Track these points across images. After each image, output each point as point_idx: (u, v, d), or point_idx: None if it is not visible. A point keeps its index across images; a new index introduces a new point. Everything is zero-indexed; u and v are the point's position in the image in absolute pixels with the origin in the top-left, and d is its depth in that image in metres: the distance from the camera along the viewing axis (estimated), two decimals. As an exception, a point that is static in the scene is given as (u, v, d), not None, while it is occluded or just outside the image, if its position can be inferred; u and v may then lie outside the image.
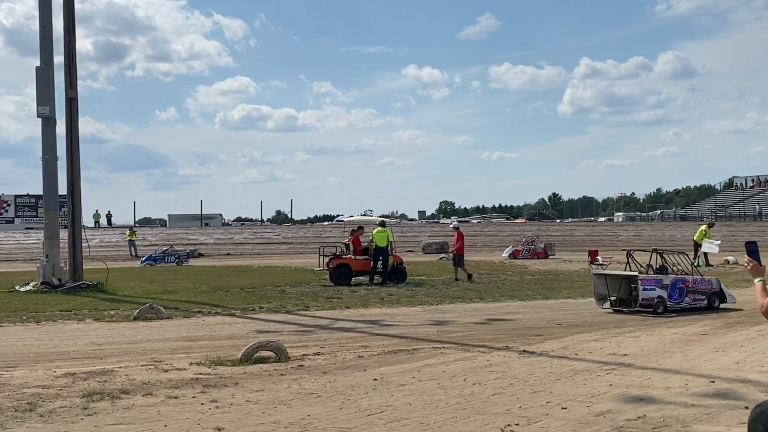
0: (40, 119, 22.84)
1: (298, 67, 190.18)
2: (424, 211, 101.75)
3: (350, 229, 26.42)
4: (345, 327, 13.91)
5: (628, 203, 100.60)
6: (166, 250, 41.16)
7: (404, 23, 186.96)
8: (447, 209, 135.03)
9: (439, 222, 77.13)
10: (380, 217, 42.69)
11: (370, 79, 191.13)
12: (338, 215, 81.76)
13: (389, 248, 23.81)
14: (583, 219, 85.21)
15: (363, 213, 62.52)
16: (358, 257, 23.98)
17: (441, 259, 37.80)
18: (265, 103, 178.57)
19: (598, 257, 27.32)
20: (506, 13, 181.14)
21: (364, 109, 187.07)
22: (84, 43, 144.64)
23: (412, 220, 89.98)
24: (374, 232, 24.05)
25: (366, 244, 24.40)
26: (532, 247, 41.03)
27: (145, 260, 39.45)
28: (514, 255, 39.98)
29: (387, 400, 7.85)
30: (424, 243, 49.99)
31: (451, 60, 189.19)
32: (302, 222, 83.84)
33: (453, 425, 6.84)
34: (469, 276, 24.46)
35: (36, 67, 22.94)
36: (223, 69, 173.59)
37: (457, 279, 24.31)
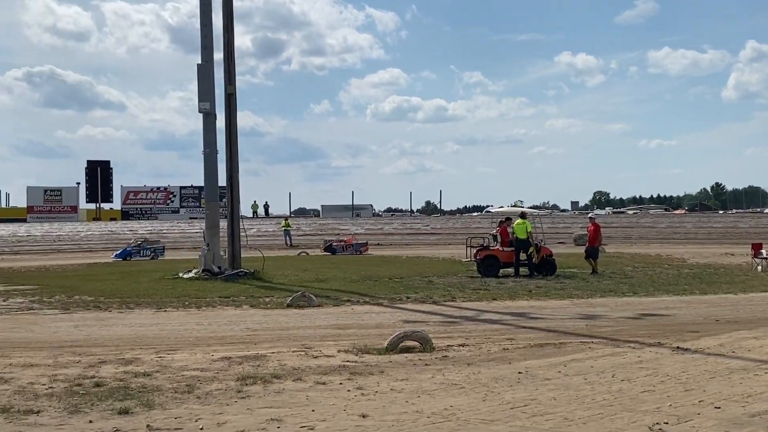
0: (202, 114, 23.97)
1: (448, 57, 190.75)
2: (577, 202, 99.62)
3: (498, 220, 26.24)
4: (491, 319, 13.85)
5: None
6: (141, 243, 38.89)
7: (558, 9, 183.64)
8: (601, 200, 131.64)
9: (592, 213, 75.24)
10: (530, 208, 42.15)
11: (522, 67, 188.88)
12: (487, 206, 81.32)
13: (531, 239, 23.47)
14: (748, 210, 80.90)
15: (513, 204, 61.89)
16: (505, 249, 23.79)
17: (593, 251, 36.79)
18: (415, 95, 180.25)
19: (762, 251, 25.89)
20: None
21: (516, 98, 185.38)
22: (243, 40, 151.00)
23: (564, 210, 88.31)
24: (515, 223, 23.79)
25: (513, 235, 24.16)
26: None
27: (117, 255, 37.14)
28: None
29: (531, 393, 7.77)
30: (576, 234, 48.85)
31: (607, 45, 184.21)
32: (451, 212, 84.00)
33: (599, 421, 6.69)
34: (594, 271, 23.71)
35: (197, 64, 24.06)
36: (375, 61, 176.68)
37: (594, 272, 23.60)
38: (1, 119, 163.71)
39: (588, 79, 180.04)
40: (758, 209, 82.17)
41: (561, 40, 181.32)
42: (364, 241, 43.23)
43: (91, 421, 6.80)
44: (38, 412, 7.13)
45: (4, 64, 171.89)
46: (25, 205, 69.65)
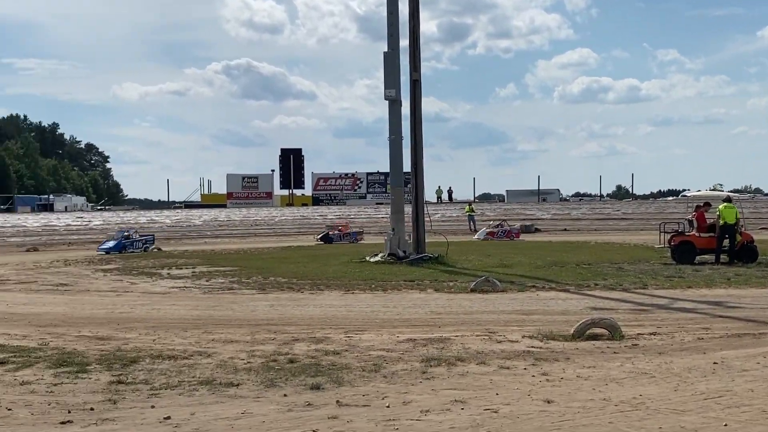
0: (387, 101, 24.42)
1: (641, 35, 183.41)
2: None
3: (694, 204, 24.98)
4: (685, 307, 13.25)
5: None
6: (128, 236, 33.19)
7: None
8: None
9: (799, 197, 70.02)
10: (731, 192, 39.80)
11: (721, 43, 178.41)
12: (683, 190, 77.52)
13: (737, 225, 22.16)
14: None
15: (712, 187, 58.73)
16: (702, 235, 22.62)
17: (800, 237, 34.24)
18: (605, 75, 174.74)
19: None
20: None
21: (714, 76, 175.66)
22: (429, 26, 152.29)
23: None
24: (721, 207, 22.45)
25: (711, 220, 22.92)
26: (508, 228, 40.75)
27: (110, 248, 31.09)
28: (490, 236, 38.97)
29: (726, 384, 7.39)
30: (781, 220, 45.70)
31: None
32: (644, 197, 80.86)
33: (802, 418, 6.27)
34: None
35: (384, 52, 24.50)
36: (563, 42, 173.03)
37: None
38: (203, 110, 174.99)
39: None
40: None
41: (764, 14, 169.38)
42: (360, 230, 42.23)
43: (285, 395, 7.17)
44: (238, 384, 7.59)
45: (206, 59, 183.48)
46: (224, 192, 73.93)
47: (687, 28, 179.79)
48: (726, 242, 22.13)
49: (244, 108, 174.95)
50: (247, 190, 72.98)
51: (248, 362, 8.67)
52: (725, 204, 22.46)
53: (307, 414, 6.53)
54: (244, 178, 73.67)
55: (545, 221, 51.44)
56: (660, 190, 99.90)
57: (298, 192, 74.96)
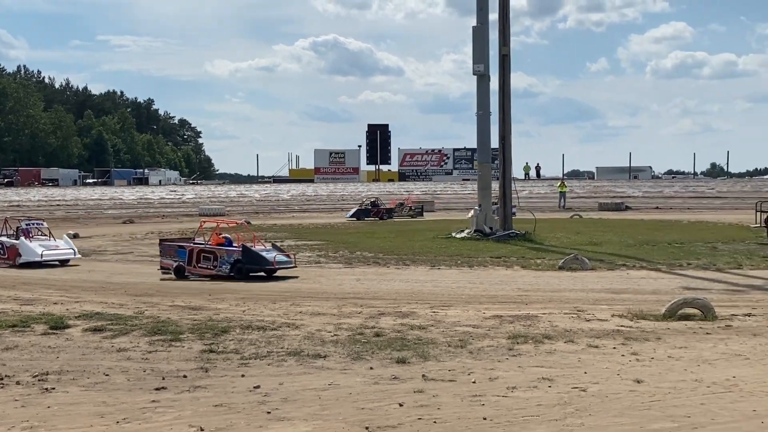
0: (476, 76, 24.20)
1: (738, 8, 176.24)
2: None
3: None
4: (783, 289, 12.79)
5: None
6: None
7: None
8: None
9: None
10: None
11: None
12: (781, 168, 74.49)
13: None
14: None
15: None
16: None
17: None
18: (701, 49, 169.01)
19: None
20: None
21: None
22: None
23: None
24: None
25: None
26: None
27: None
28: None
29: (828, 370, 7.12)
30: None
31: None
32: (739, 175, 78.18)
33: None
34: None
35: (473, 27, 24.25)
36: (658, 15, 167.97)
37: None
38: (291, 86, 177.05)
39: None
40: None
41: None
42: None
43: (371, 368, 7.24)
44: (325, 356, 7.71)
45: (294, 35, 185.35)
46: (312, 167, 74.75)
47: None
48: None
49: (331, 84, 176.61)
50: (334, 165, 73.56)
51: (335, 335, 8.78)
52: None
53: (393, 387, 6.58)
54: (331, 154, 74.27)
55: (636, 199, 50.27)
56: (756, 169, 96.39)
57: (384, 168, 75.23)
